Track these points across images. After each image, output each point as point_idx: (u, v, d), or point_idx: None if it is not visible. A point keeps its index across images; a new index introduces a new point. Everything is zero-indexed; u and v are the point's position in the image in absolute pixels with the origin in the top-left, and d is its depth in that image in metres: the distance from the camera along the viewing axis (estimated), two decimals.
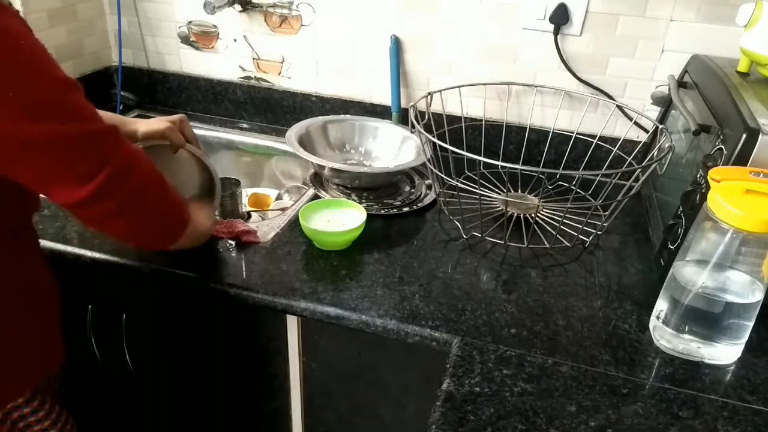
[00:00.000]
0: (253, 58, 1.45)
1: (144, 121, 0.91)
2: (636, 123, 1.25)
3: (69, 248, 0.95)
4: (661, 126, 1.09)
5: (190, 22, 1.45)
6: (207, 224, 0.90)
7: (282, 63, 1.44)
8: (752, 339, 0.80)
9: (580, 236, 1.04)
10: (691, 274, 0.78)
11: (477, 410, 0.70)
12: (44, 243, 0.94)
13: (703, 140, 0.92)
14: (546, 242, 1.04)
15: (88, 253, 0.94)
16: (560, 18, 1.21)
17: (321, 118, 1.31)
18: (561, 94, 1.28)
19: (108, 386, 1.15)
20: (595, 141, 1.26)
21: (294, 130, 1.22)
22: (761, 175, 0.75)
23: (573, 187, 1.22)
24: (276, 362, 0.99)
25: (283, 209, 1.17)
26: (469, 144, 1.33)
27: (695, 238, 0.77)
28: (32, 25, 0.64)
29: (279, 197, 1.34)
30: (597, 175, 1.20)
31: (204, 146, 1.12)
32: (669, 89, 1.11)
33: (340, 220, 1.01)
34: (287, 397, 1.03)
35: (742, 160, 0.79)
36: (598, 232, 1.07)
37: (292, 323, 0.94)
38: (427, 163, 1.07)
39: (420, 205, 1.15)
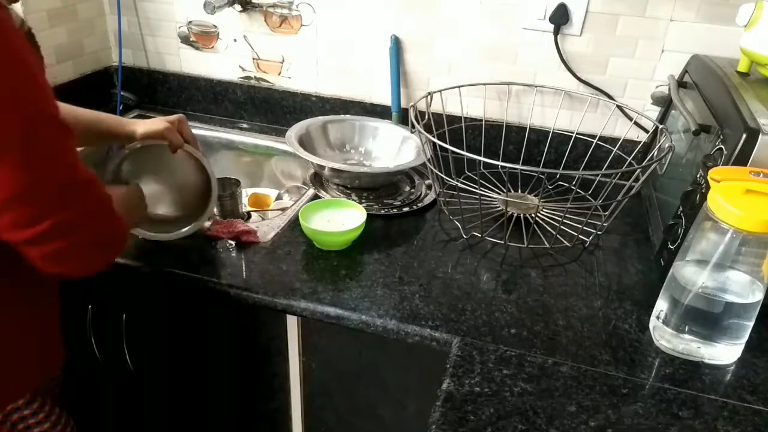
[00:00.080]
0: (253, 58, 1.45)
1: (143, 121, 0.91)
2: (636, 123, 1.25)
3: None
4: (661, 126, 1.09)
5: (190, 22, 1.45)
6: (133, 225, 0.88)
7: (282, 63, 1.44)
8: (752, 339, 0.80)
9: (580, 236, 1.04)
10: (691, 274, 0.78)
11: (477, 410, 0.70)
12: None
13: (703, 140, 0.92)
14: (546, 242, 1.04)
15: None
16: (560, 18, 1.21)
17: (321, 118, 1.31)
18: (561, 94, 1.28)
19: (108, 386, 1.15)
20: (595, 141, 1.26)
21: (294, 130, 1.22)
22: (761, 175, 0.75)
23: (573, 187, 1.22)
24: (276, 362, 0.99)
25: (283, 209, 1.17)
26: (469, 144, 1.33)
27: (695, 238, 0.77)
28: (32, 25, 0.62)
29: (279, 197, 1.34)
30: (597, 175, 1.20)
31: (204, 146, 1.12)
32: (669, 89, 1.11)
33: (340, 220, 1.01)
34: (287, 397, 1.03)
35: (742, 160, 0.79)
36: (598, 232, 1.07)
37: (292, 323, 0.94)
38: (427, 163, 1.07)
39: (420, 205, 1.15)
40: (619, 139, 1.25)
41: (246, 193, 1.31)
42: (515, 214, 1.11)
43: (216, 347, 1.03)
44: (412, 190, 1.21)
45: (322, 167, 1.15)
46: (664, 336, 0.82)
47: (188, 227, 0.96)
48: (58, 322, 0.82)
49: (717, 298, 0.76)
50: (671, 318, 0.80)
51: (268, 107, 1.49)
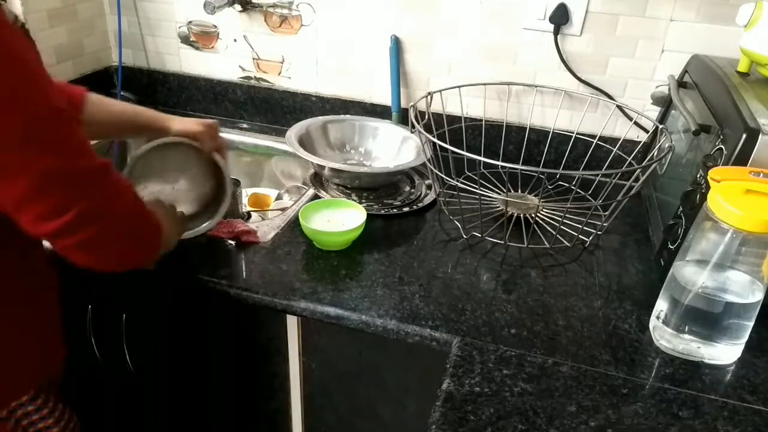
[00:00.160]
0: (253, 58, 1.45)
1: (180, 119, 0.92)
2: (636, 123, 1.25)
3: None
4: (661, 126, 1.09)
5: (190, 22, 1.45)
6: (172, 239, 0.87)
7: (282, 63, 1.44)
8: (752, 339, 0.80)
9: (580, 236, 1.04)
10: (691, 274, 0.78)
11: (477, 410, 0.70)
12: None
13: (703, 140, 0.92)
14: (546, 242, 1.04)
15: None
16: (560, 18, 1.21)
17: (321, 118, 1.31)
18: (561, 94, 1.28)
19: (108, 386, 1.15)
20: (595, 141, 1.26)
21: (294, 130, 1.22)
22: (761, 175, 0.75)
23: (573, 187, 1.22)
24: (276, 362, 0.99)
25: (283, 209, 1.17)
26: (469, 144, 1.33)
27: (695, 238, 0.77)
28: (32, 25, 0.62)
29: (279, 197, 1.34)
30: (597, 175, 1.20)
31: None
32: (669, 89, 1.11)
33: (340, 220, 1.01)
34: (287, 397, 1.03)
35: (742, 160, 0.79)
36: (598, 232, 1.07)
37: (292, 323, 0.94)
38: (427, 163, 1.07)
39: (420, 205, 1.15)
40: (619, 139, 1.25)
41: (246, 193, 1.31)
42: (515, 214, 1.11)
43: (216, 347, 1.03)
44: (412, 190, 1.22)
45: (322, 167, 1.15)
46: (664, 336, 0.82)
47: (205, 224, 0.95)
48: (59, 321, 0.83)
49: (717, 298, 0.76)
50: (671, 318, 0.80)
51: (268, 107, 1.49)
